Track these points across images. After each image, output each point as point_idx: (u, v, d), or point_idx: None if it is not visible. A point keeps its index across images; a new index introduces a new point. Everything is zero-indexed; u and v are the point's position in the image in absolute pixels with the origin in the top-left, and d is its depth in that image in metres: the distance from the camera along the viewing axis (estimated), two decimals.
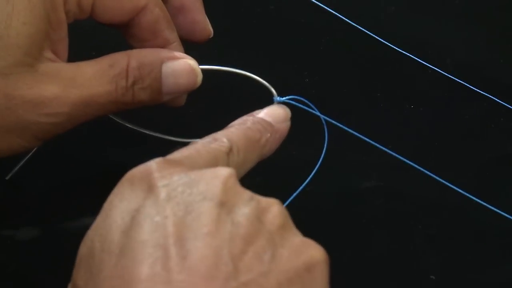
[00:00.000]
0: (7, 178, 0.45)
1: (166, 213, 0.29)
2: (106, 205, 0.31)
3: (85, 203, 0.44)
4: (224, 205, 0.30)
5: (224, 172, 0.32)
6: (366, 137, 0.44)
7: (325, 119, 0.43)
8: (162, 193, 0.30)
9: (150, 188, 0.31)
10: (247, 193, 0.32)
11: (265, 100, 0.42)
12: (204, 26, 0.44)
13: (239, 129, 0.38)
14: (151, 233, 0.29)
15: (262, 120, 0.40)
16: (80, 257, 0.31)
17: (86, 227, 0.31)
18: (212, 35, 0.45)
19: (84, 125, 0.40)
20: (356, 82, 0.54)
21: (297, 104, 0.42)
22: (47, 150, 0.43)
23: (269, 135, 0.39)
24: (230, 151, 0.36)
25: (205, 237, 0.29)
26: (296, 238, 0.32)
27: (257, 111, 0.41)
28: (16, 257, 0.43)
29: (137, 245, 0.29)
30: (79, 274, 0.30)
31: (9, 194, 0.45)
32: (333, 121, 0.43)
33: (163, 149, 0.46)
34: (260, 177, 0.47)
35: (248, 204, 0.31)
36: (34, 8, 0.36)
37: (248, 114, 0.41)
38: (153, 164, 0.32)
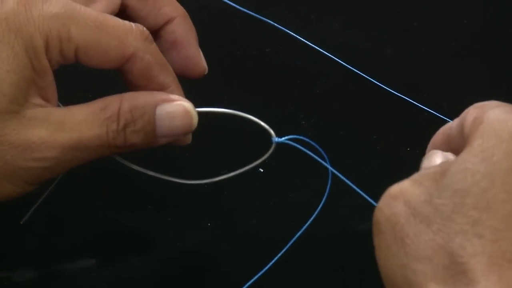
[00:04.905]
0: (22, 222, 0.45)
1: None
2: None
3: (81, 244, 0.44)
4: None
5: None
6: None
7: (331, 170, 0.43)
8: None
9: None
10: None
11: (263, 141, 0.42)
12: (197, 61, 0.44)
13: None
14: None
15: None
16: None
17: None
18: (206, 71, 0.44)
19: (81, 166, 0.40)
20: (352, 124, 0.54)
21: (295, 144, 0.42)
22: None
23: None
24: None
25: None
26: None
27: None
28: None
29: None
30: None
31: (5, 236, 0.45)
32: (337, 172, 0.43)
33: (163, 190, 0.46)
34: (257, 219, 0.47)
35: None
36: (17, 56, 0.36)
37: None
38: None
